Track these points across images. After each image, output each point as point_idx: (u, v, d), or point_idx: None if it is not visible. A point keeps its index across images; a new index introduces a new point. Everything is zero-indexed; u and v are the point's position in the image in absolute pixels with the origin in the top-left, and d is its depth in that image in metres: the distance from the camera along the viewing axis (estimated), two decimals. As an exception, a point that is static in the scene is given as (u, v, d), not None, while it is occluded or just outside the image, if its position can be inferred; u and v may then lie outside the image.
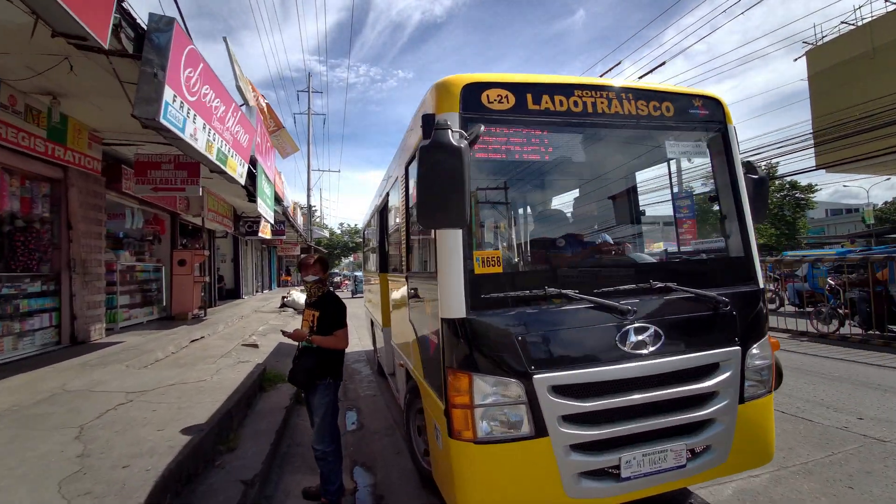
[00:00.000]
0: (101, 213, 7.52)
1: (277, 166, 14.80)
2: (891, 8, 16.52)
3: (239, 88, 7.84)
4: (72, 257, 6.93)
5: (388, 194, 4.62)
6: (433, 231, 2.36)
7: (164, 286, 10.25)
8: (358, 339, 10.67)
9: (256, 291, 20.69)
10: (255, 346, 7.39)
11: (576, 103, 2.52)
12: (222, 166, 6.07)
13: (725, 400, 2.48)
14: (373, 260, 7.73)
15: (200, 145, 5.18)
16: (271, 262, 26.47)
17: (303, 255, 3.27)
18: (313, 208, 41.84)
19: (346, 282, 43.51)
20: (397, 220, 3.85)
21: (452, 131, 1.88)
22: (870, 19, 16.93)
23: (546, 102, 2.47)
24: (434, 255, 2.37)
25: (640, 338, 2.32)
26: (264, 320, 10.98)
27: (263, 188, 9.26)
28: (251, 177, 8.68)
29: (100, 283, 7.39)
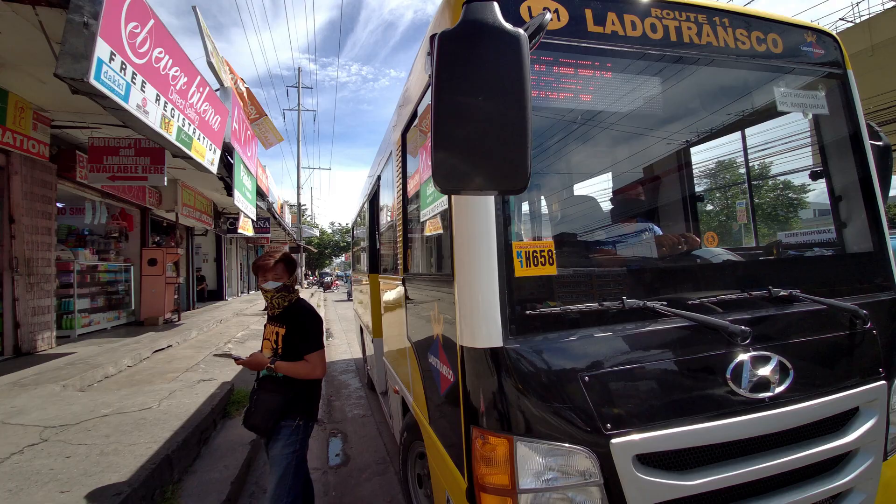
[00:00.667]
0: (51, 205, 6.59)
1: (261, 159, 13.88)
2: (889, 5, 16.07)
3: (211, 66, 6.95)
4: (14, 256, 6.01)
5: (378, 178, 3.80)
6: (449, 210, 1.55)
7: (132, 288, 9.31)
8: (347, 346, 9.82)
9: (241, 292, 19.70)
10: (230, 356, 6.50)
11: (654, 27, 1.72)
12: (185, 149, 5.20)
13: (868, 459, 1.70)
14: (363, 260, 6.90)
15: (153, 120, 4.32)
16: (258, 261, 25.43)
17: (259, 256, 2.48)
18: (303, 207, 40.79)
19: (338, 282, 42.42)
20: (391, 208, 3.03)
21: (498, 10, 1.06)
22: (867, 16, 16.49)
23: (613, 24, 1.67)
24: (448, 249, 1.57)
25: (761, 373, 1.53)
26: (245, 324, 10.08)
27: (242, 180, 8.38)
28: (228, 167, 7.81)
29: (48, 285, 6.46)
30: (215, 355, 6.49)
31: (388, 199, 3.21)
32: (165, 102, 4.56)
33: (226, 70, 7.86)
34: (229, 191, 7.96)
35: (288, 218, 26.03)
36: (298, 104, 33.73)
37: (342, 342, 10.51)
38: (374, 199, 4.27)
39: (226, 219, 13.80)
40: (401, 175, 2.47)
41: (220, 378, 4.99)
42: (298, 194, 34.76)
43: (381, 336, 4.46)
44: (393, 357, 3.20)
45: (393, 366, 3.20)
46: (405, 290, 2.44)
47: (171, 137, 4.75)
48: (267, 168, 13.97)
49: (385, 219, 3.57)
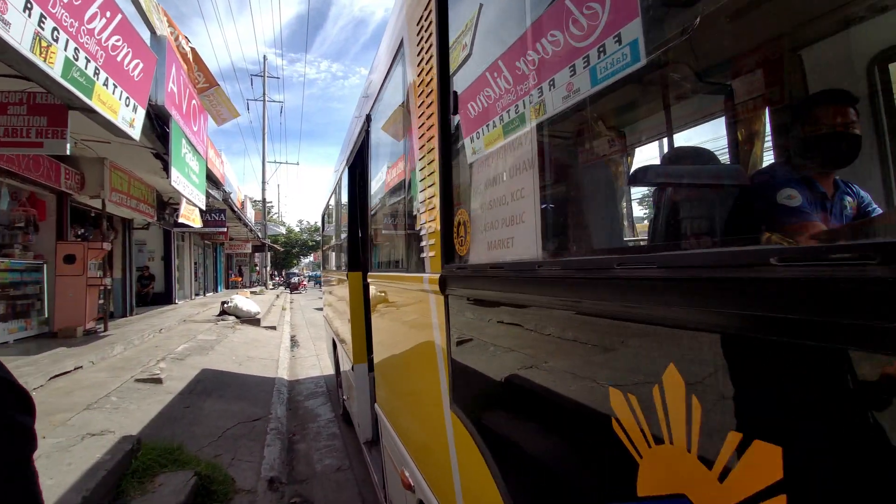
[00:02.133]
0: None
1: (216, 142, 12.15)
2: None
3: (138, 4, 5.35)
4: None
5: (369, 118, 2.42)
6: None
7: (44, 291, 7.52)
8: (315, 358, 8.32)
9: (196, 294, 17.68)
10: (158, 380, 4.97)
11: None
12: (83, 96, 3.68)
13: None
14: (334, 256, 5.49)
15: (17, 37, 2.82)
16: (217, 260, 23.28)
17: None
18: (269, 203, 38.42)
19: (306, 283, 40.11)
20: (407, 148, 1.68)
21: None
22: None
23: None
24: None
25: None
26: (192, 334, 8.42)
27: (184, 158, 6.80)
28: (163, 140, 6.22)
29: None
30: (138, 380, 4.93)
31: (396, 131, 1.86)
32: (42, 15, 3.05)
33: (162, 18, 6.25)
34: (167, 169, 6.37)
35: (251, 214, 24.01)
36: (264, 93, 31.55)
37: (310, 353, 9.00)
38: (358, 158, 2.89)
39: (172, 210, 11.93)
40: (436, 45, 1.14)
41: (125, 425, 3.49)
42: (264, 189, 32.61)
43: (364, 361, 3.11)
44: (400, 419, 1.85)
45: (400, 433, 1.86)
46: (446, 304, 1.11)
47: (54, 72, 3.24)
48: (223, 153, 12.25)
49: (384, 177, 2.19)
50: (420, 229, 1.33)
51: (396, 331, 1.80)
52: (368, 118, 2.35)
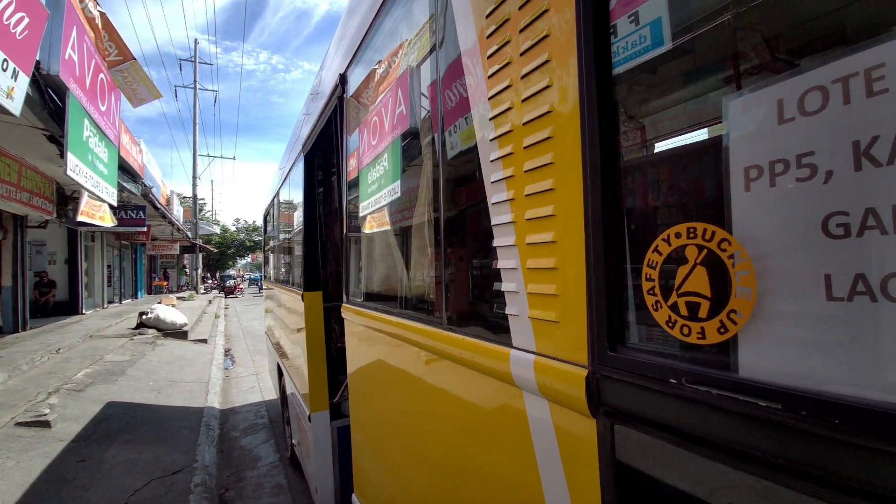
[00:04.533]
0: None
1: (137, 132, 10.59)
2: None
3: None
4: None
5: (341, 82, 1.74)
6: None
7: None
8: (255, 377, 7.31)
9: (109, 302, 15.53)
10: (45, 423, 3.90)
11: None
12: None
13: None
14: (281, 267, 4.67)
15: None
16: (138, 263, 20.80)
17: None
18: (201, 201, 35.39)
19: (242, 286, 37.42)
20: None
21: None
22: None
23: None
24: None
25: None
26: (98, 354, 7.09)
27: (86, 142, 5.61)
28: (58, 118, 5.04)
29: None
30: (19, 424, 3.85)
31: (404, 85, 1.22)
32: None
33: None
34: (63, 155, 5.18)
35: (179, 211, 21.74)
36: (195, 78, 28.93)
37: (247, 370, 7.95)
38: (320, 142, 2.18)
39: (77, 205, 10.22)
40: None
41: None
42: (195, 184, 29.94)
43: (325, 408, 2.43)
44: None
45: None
46: (606, 447, 0.52)
47: None
48: (143, 142, 10.70)
49: (380, 162, 1.50)
50: (499, 251, 0.68)
51: (411, 418, 1.15)
52: (342, 80, 1.66)
